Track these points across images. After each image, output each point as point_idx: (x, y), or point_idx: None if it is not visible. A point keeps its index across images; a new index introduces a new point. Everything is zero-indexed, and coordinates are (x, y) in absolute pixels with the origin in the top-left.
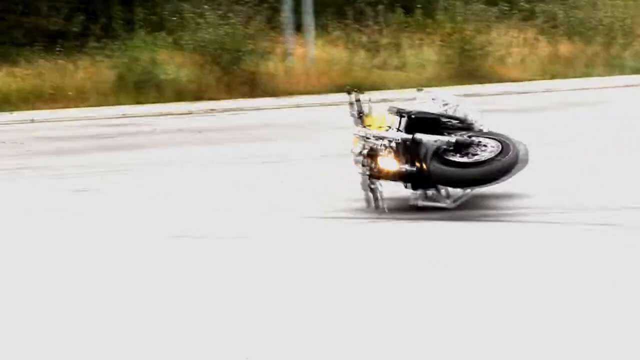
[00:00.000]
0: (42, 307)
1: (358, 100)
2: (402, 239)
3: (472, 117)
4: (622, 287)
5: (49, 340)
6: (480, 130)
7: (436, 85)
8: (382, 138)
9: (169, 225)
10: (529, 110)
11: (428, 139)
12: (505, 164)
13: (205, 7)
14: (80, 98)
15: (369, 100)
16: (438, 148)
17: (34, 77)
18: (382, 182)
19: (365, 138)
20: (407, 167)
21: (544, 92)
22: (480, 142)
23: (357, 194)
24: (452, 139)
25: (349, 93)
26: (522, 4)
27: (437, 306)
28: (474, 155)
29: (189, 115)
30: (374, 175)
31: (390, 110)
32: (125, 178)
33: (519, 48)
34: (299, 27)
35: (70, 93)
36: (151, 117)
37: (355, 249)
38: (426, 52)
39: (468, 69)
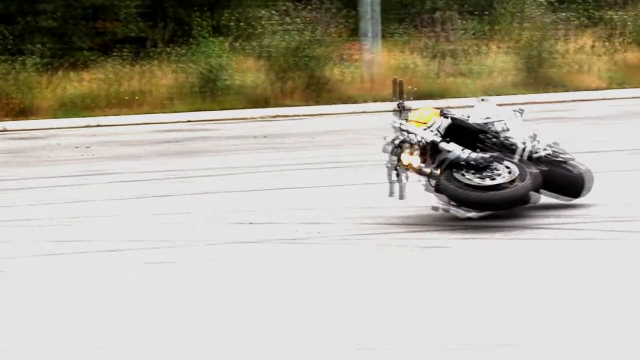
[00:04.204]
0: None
1: (402, 92)
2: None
3: (514, 136)
4: None
5: None
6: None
7: (503, 93)
8: (412, 133)
9: (238, 228)
10: (593, 118)
11: (451, 149)
12: (511, 194)
13: (272, 12)
14: (146, 103)
15: (414, 91)
16: (454, 161)
17: (100, 82)
18: (408, 174)
19: (400, 130)
20: (426, 168)
21: (609, 99)
22: (498, 166)
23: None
24: (469, 156)
25: (395, 83)
26: (589, 11)
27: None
28: (491, 178)
29: (254, 120)
30: (401, 166)
31: (437, 110)
32: (190, 184)
33: (585, 55)
34: (364, 34)
35: (136, 98)
36: (216, 122)
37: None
38: (492, 60)
39: (534, 77)
